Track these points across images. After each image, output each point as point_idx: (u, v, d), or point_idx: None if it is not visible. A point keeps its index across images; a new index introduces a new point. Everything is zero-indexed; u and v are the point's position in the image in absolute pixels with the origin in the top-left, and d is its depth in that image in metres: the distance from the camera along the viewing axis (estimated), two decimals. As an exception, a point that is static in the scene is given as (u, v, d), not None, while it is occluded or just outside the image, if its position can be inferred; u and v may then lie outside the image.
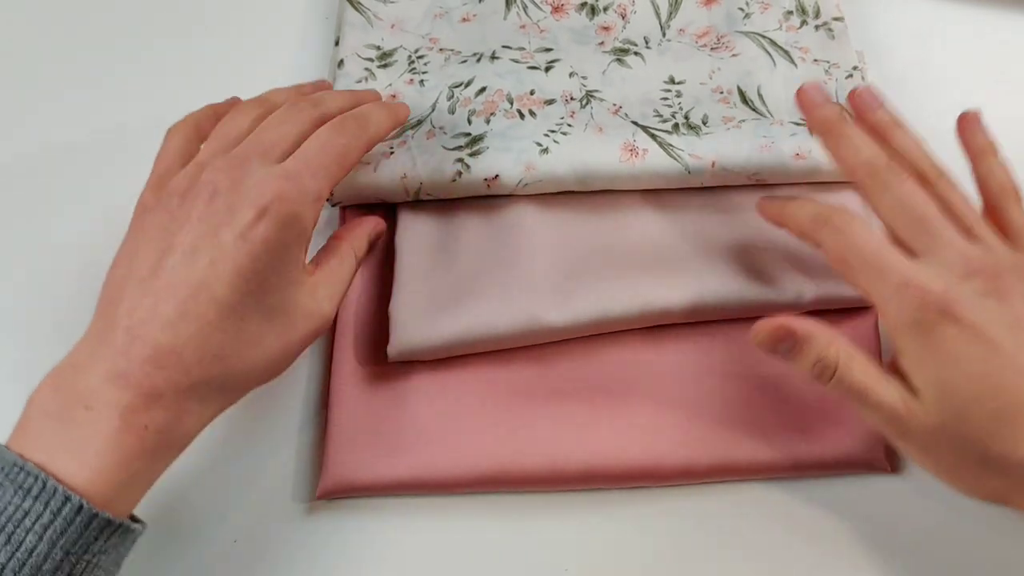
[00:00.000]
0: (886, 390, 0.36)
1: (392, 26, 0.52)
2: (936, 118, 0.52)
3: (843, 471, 0.43)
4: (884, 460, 0.42)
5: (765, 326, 0.38)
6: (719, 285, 0.44)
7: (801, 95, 0.41)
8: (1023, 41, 0.55)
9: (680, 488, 0.43)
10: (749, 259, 0.45)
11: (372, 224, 0.44)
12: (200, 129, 0.42)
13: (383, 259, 0.47)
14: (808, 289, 0.44)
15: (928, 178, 0.39)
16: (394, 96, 0.49)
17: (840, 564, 0.41)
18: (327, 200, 0.45)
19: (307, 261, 0.40)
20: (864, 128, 0.41)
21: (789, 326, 0.37)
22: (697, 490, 0.43)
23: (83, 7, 0.57)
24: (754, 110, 0.48)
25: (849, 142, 0.40)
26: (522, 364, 0.44)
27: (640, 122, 0.47)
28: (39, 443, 0.34)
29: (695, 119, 0.47)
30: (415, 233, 0.46)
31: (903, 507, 0.42)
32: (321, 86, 0.47)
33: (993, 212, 0.40)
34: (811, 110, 0.41)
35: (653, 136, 0.46)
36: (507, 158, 0.46)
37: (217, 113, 0.42)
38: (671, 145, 0.46)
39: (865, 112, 0.41)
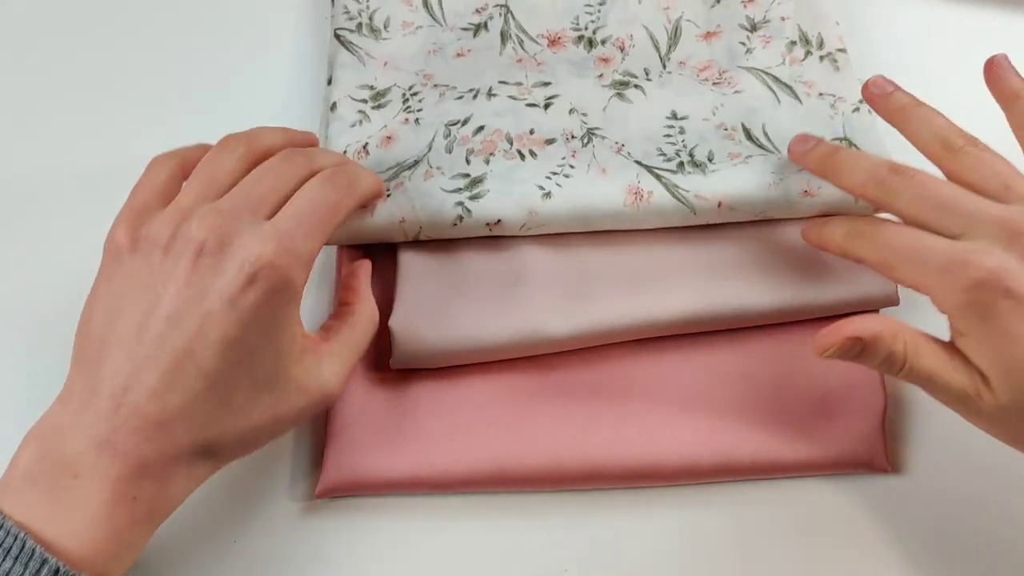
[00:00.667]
0: (953, 375, 0.36)
1: (385, 64, 0.51)
2: None
3: (843, 471, 0.43)
4: (884, 460, 0.43)
5: (829, 339, 0.37)
6: (723, 296, 0.44)
7: (791, 153, 0.43)
8: (1022, 41, 0.55)
9: (680, 488, 0.43)
10: (754, 269, 0.45)
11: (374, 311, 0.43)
12: (186, 167, 0.40)
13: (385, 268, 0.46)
14: (811, 296, 0.44)
15: (954, 147, 0.38)
16: (389, 138, 0.48)
17: (840, 564, 0.41)
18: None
19: (301, 323, 0.38)
20: (883, 114, 0.41)
21: (855, 334, 0.37)
22: (697, 490, 0.43)
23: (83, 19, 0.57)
24: (760, 146, 0.47)
25: (845, 166, 0.40)
26: (523, 365, 0.44)
27: (644, 161, 0.46)
28: (24, 508, 0.34)
29: (700, 156, 0.46)
30: (417, 250, 0.46)
31: (903, 507, 0.43)
32: (310, 140, 0.45)
33: None
34: (803, 159, 0.42)
35: (658, 177, 0.45)
36: (509, 202, 0.45)
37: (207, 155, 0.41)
38: (676, 186, 0.45)
39: (880, 99, 0.42)
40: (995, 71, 0.41)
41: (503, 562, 0.42)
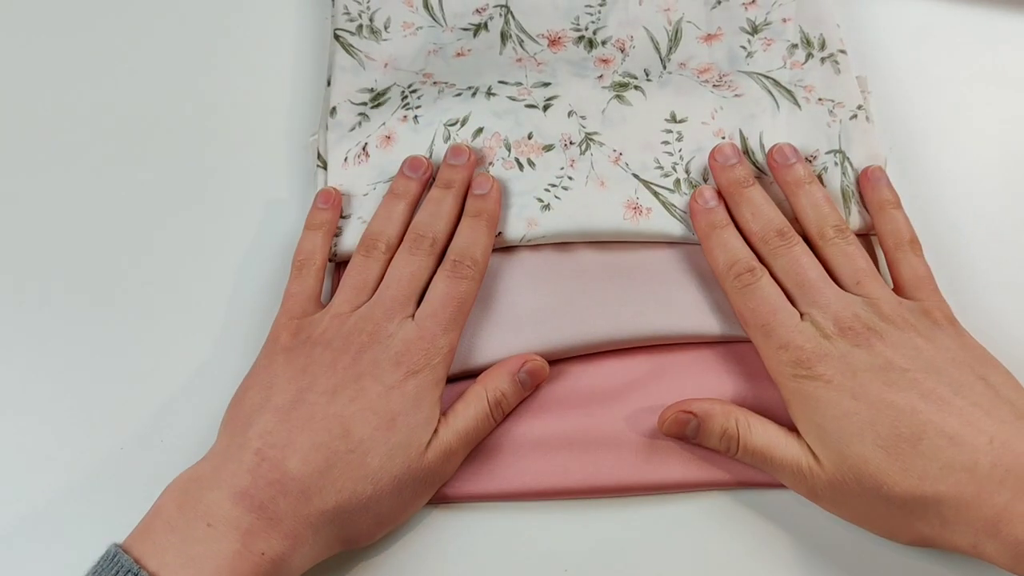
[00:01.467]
0: (786, 449, 0.40)
1: (385, 65, 0.50)
2: (933, 119, 0.53)
3: None
4: None
5: (666, 415, 0.42)
6: (717, 303, 0.45)
7: (711, 159, 0.46)
8: (1021, 41, 0.55)
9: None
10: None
11: (515, 363, 0.43)
12: (320, 272, 0.45)
13: None
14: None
15: (826, 236, 0.43)
16: (388, 137, 0.48)
17: (840, 565, 0.42)
18: (329, 259, 0.46)
19: (439, 406, 0.42)
20: (779, 183, 0.46)
21: (687, 408, 0.41)
22: (697, 491, 0.43)
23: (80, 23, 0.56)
24: (755, 164, 0.47)
25: (748, 206, 0.44)
26: None
27: (641, 175, 0.46)
28: (158, 554, 0.35)
29: (696, 173, 0.46)
30: None
31: None
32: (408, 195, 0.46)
33: (892, 264, 0.44)
34: (719, 172, 0.46)
35: (656, 194, 0.46)
36: (509, 214, 0.45)
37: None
38: (674, 205, 0.46)
39: (780, 169, 0.46)
40: (869, 182, 0.46)
41: (503, 562, 0.42)
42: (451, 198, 0.45)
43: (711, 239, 0.44)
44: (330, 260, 0.46)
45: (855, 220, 0.46)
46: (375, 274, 0.43)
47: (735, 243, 0.44)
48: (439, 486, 0.42)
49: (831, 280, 0.42)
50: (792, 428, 0.41)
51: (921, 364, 0.39)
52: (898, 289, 0.44)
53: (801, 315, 0.41)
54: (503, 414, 0.43)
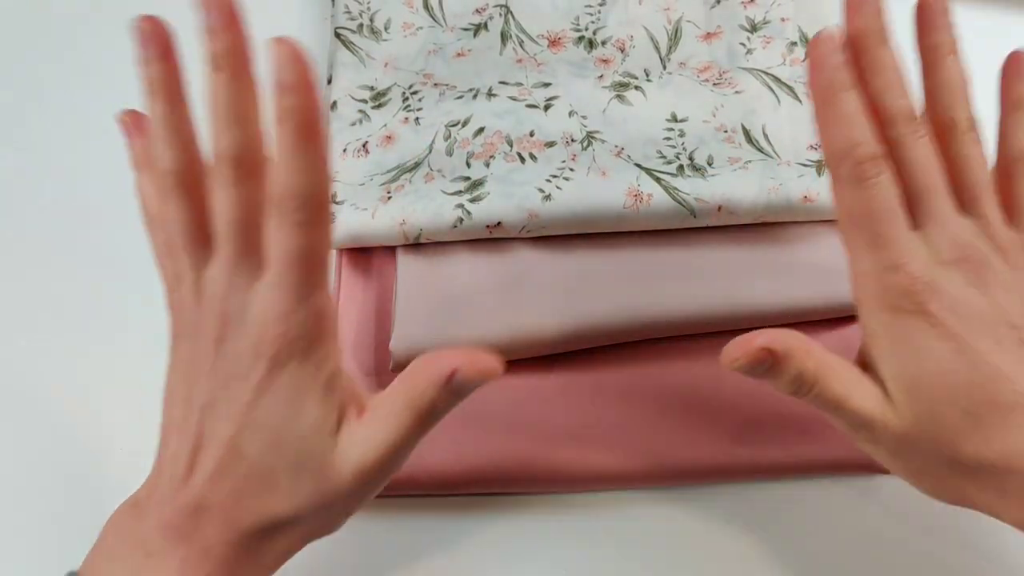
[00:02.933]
0: (862, 399, 0.34)
1: (386, 64, 0.51)
2: None
3: (843, 471, 0.43)
4: None
5: (739, 349, 0.34)
6: (723, 298, 0.44)
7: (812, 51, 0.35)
8: (1021, 41, 0.55)
9: (680, 489, 0.43)
10: (755, 270, 0.45)
11: (446, 364, 0.33)
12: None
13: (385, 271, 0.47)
14: (813, 299, 0.44)
15: (959, 128, 0.36)
16: (389, 137, 0.48)
17: (840, 565, 0.42)
18: None
19: (333, 400, 0.34)
20: (920, 48, 0.37)
21: (768, 346, 0.34)
22: (697, 491, 0.43)
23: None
24: (760, 150, 0.47)
25: (873, 68, 0.36)
26: (522, 368, 0.44)
27: (643, 164, 0.46)
28: None
29: (700, 160, 0.46)
30: (415, 255, 0.46)
31: (903, 507, 0.43)
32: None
33: (1005, 178, 0.36)
34: (820, 68, 0.35)
35: (658, 180, 0.45)
36: (509, 205, 0.45)
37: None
38: (676, 189, 0.45)
39: (929, 31, 0.37)
40: (1013, 69, 0.38)
41: (503, 562, 0.42)
42: (237, 85, 0.32)
43: (831, 106, 0.34)
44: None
45: None
46: (185, 218, 0.33)
47: (861, 119, 0.34)
48: (379, 489, 0.35)
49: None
50: (860, 363, 0.35)
51: None
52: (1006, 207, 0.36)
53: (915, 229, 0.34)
54: (437, 421, 0.34)
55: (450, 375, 0.33)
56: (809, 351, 0.34)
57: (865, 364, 0.35)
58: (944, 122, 0.36)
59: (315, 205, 0.32)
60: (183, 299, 0.34)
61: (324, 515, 0.34)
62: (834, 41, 0.35)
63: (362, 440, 0.33)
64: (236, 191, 0.32)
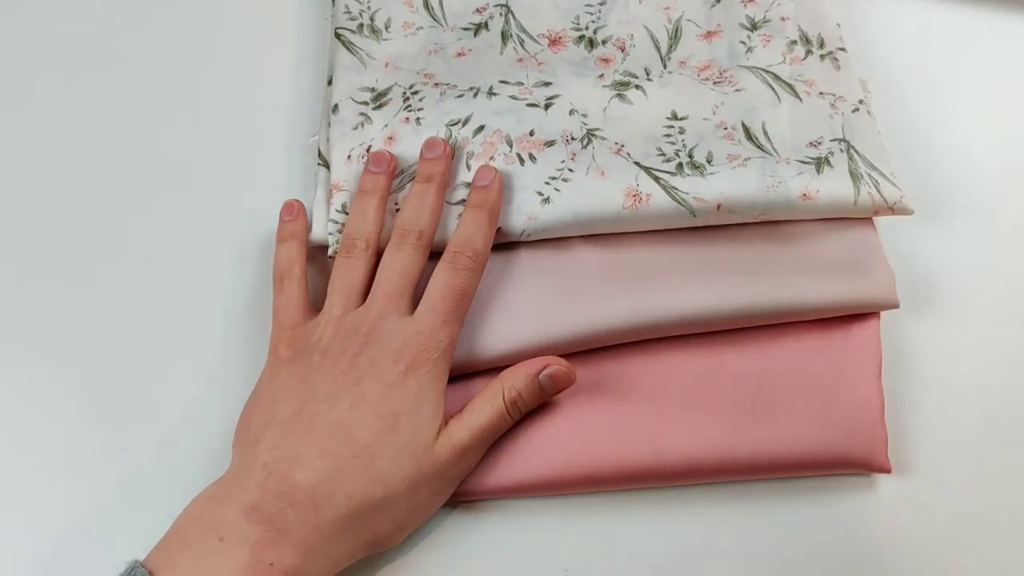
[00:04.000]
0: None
1: (386, 64, 0.51)
2: (932, 119, 0.52)
3: (843, 471, 0.43)
4: (885, 460, 0.42)
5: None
6: (723, 296, 0.44)
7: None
8: (1020, 42, 0.55)
9: (679, 489, 0.43)
10: (753, 269, 0.45)
11: (537, 365, 0.42)
12: (302, 280, 0.45)
13: None
14: (812, 297, 0.44)
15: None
16: (391, 138, 0.48)
17: (840, 564, 0.41)
18: (329, 257, 0.46)
19: (443, 403, 0.41)
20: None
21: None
22: (696, 491, 0.43)
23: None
24: (759, 147, 0.47)
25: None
26: None
27: (643, 162, 0.46)
28: (171, 567, 0.36)
29: (699, 157, 0.46)
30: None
31: (903, 507, 0.43)
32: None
33: None
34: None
35: (656, 179, 0.45)
36: (508, 209, 0.45)
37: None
38: (675, 188, 0.45)
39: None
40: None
41: (503, 562, 0.42)
42: (433, 191, 0.45)
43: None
44: (330, 257, 0.46)
45: (865, 200, 0.45)
46: (361, 273, 0.44)
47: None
48: (457, 483, 0.42)
49: None
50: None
51: None
52: None
53: None
54: (520, 413, 0.42)
55: (539, 369, 0.42)
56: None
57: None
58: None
59: (481, 259, 0.43)
60: (315, 330, 0.42)
61: (410, 500, 0.39)
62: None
63: (459, 428, 0.41)
64: (406, 254, 0.43)
